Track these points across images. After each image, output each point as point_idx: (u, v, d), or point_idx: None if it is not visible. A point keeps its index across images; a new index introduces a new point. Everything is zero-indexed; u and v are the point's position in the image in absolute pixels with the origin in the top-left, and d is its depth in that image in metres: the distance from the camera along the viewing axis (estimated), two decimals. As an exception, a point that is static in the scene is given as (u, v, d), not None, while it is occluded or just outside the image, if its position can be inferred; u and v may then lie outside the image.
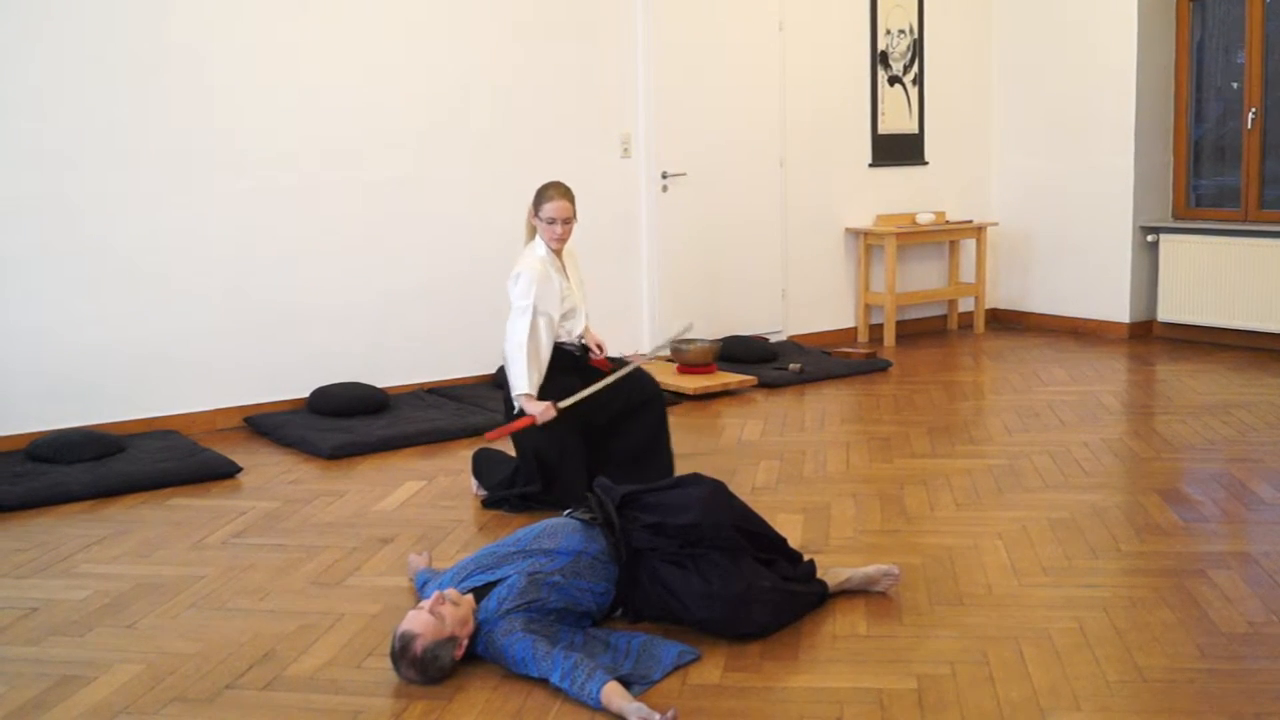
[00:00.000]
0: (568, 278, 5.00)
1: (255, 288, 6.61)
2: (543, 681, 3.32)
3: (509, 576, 3.58)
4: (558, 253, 4.98)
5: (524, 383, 4.80)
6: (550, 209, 4.88)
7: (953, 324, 9.51)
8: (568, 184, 5.00)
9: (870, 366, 7.83)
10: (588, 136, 7.70)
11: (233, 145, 6.48)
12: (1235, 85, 8.57)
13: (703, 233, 8.21)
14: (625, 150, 7.87)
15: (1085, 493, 5.09)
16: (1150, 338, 8.85)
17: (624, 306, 7.93)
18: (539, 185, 5.02)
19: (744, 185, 8.40)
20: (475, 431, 6.20)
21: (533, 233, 5.01)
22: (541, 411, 4.79)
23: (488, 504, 5.07)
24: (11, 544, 4.70)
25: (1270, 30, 8.29)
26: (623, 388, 5.04)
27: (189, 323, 6.43)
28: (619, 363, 5.23)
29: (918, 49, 9.20)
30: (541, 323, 4.85)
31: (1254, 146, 8.40)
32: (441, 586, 3.60)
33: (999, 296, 9.72)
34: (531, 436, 4.91)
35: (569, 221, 4.92)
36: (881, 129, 9.10)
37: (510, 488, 5.04)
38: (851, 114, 8.95)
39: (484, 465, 5.20)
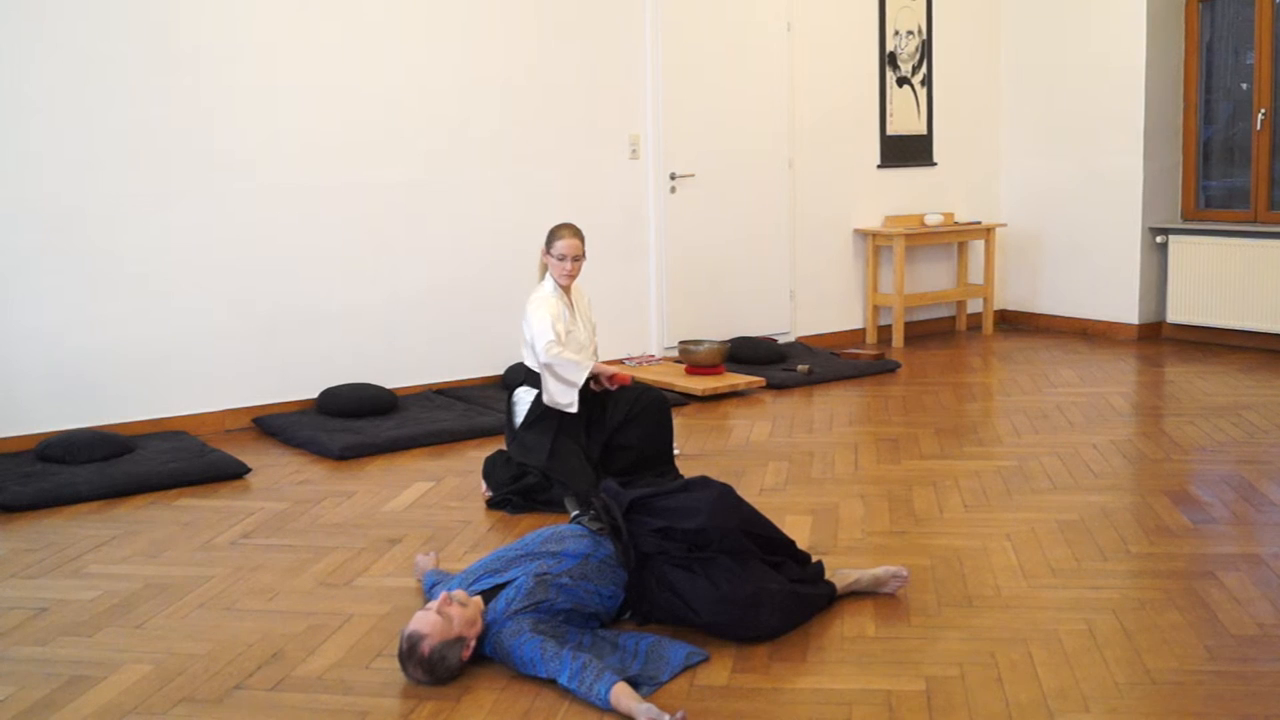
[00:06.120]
0: (574, 314, 5.30)
1: (264, 288, 6.62)
2: (550, 682, 3.33)
3: (517, 578, 3.58)
4: (566, 289, 5.30)
5: (580, 366, 5.05)
6: (561, 246, 5.21)
7: (961, 325, 9.51)
8: (578, 225, 5.36)
9: (879, 368, 7.83)
10: (596, 138, 7.70)
11: (243, 146, 6.49)
12: (1244, 86, 8.55)
13: (711, 234, 8.21)
14: (634, 151, 7.87)
15: (1094, 494, 5.08)
16: (1159, 339, 8.83)
17: (632, 307, 7.93)
18: (551, 225, 5.35)
19: (752, 186, 8.41)
20: (483, 432, 6.21)
21: (544, 270, 5.33)
22: (615, 373, 5.16)
23: (492, 504, 5.10)
24: (21, 544, 4.71)
25: (1280, 31, 8.28)
26: (623, 399, 5.29)
27: (198, 323, 6.44)
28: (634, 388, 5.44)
29: (926, 50, 9.20)
30: (560, 329, 5.16)
31: (1263, 147, 8.38)
32: (450, 589, 3.60)
33: (1007, 298, 9.71)
34: (526, 447, 5.16)
35: (578, 259, 5.25)
36: (890, 130, 9.09)
37: (504, 488, 5.11)
38: (860, 115, 8.95)
39: (492, 468, 5.25)
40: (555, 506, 4.94)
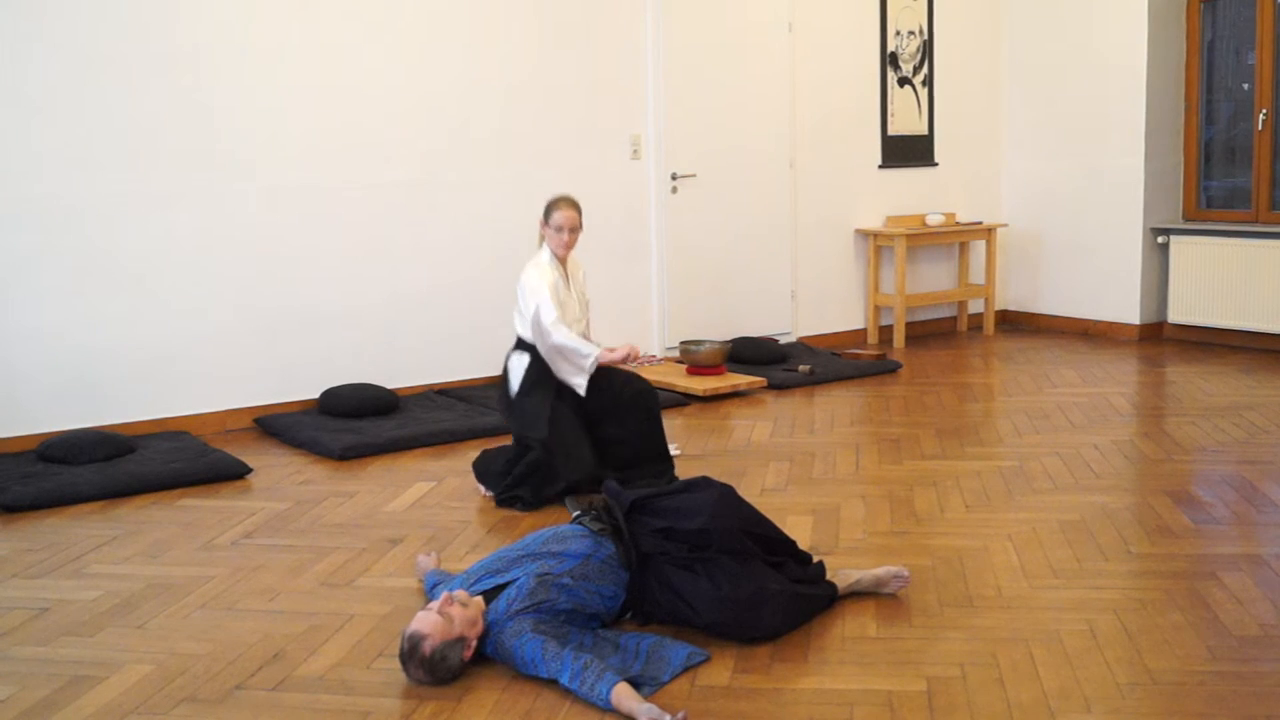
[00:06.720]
0: (569, 285, 5.31)
1: (266, 289, 6.62)
2: (552, 682, 3.33)
3: (518, 579, 3.58)
4: (563, 260, 5.31)
5: (589, 347, 5.15)
6: (559, 218, 5.24)
7: (963, 325, 9.50)
8: (575, 197, 5.37)
9: (880, 368, 7.82)
10: (598, 138, 7.70)
11: (243, 146, 6.50)
12: (1246, 86, 8.54)
13: (712, 234, 8.21)
14: (635, 152, 7.87)
15: (1095, 494, 5.08)
16: (1161, 339, 8.83)
17: (634, 307, 7.92)
18: (550, 197, 5.34)
19: (754, 186, 8.40)
20: (484, 433, 6.21)
21: (542, 241, 5.34)
22: (627, 349, 5.23)
23: (500, 502, 5.10)
24: (22, 544, 4.72)
25: (1281, 31, 8.27)
26: (608, 385, 5.29)
27: (200, 324, 6.44)
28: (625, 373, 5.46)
29: (927, 50, 9.20)
30: (556, 300, 5.19)
31: (1265, 148, 8.38)
32: (451, 589, 3.60)
33: (1009, 298, 9.71)
34: (524, 419, 5.19)
35: (575, 230, 5.28)
36: (891, 130, 9.09)
37: (508, 475, 5.12)
38: (861, 115, 8.94)
39: (485, 467, 5.26)
40: (562, 494, 5.01)
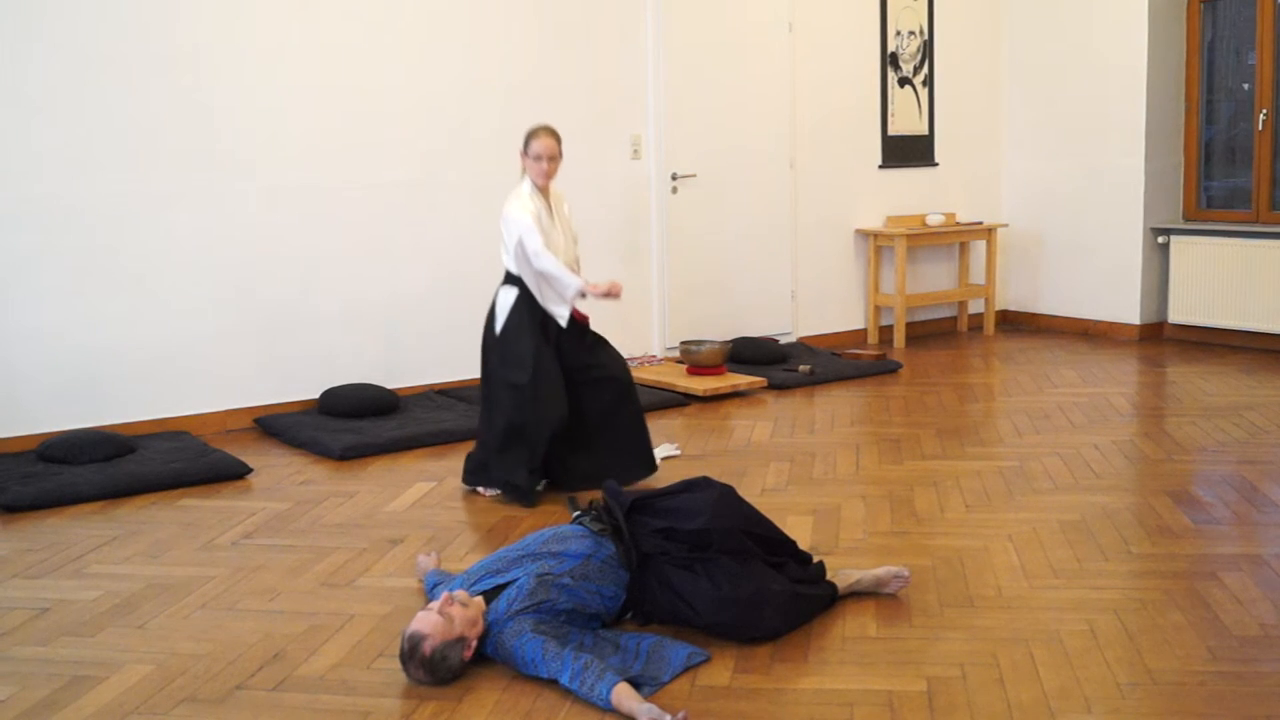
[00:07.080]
0: (552, 216, 5.27)
1: (266, 289, 6.62)
2: (552, 682, 3.33)
3: (518, 579, 3.58)
4: (544, 190, 5.27)
5: (573, 278, 5.11)
6: (537, 147, 5.19)
7: (963, 325, 9.50)
8: (555, 127, 5.29)
9: (880, 368, 7.82)
10: (598, 138, 7.70)
11: (243, 146, 6.50)
12: (1246, 86, 8.54)
13: (712, 234, 8.21)
14: (635, 152, 7.87)
15: (1096, 494, 5.08)
16: (1161, 339, 8.83)
17: (634, 307, 7.91)
18: (529, 126, 5.30)
19: (754, 186, 8.40)
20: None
21: (523, 173, 5.30)
22: (609, 284, 5.13)
23: (507, 495, 5.11)
24: (22, 544, 4.72)
25: (1282, 31, 8.27)
26: (598, 346, 5.34)
27: (200, 324, 6.44)
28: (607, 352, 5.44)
29: (928, 50, 9.20)
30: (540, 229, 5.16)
31: (1265, 148, 8.38)
32: (452, 589, 3.60)
33: (1009, 298, 9.71)
34: (508, 360, 5.18)
35: (554, 159, 5.23)
36: (891, 130, 9.09)
37: (487, 455, 5.15)
38: (861, 115, 8.94)
39: (476, 473, 5.25)
40: (564, 482, 5.12)
